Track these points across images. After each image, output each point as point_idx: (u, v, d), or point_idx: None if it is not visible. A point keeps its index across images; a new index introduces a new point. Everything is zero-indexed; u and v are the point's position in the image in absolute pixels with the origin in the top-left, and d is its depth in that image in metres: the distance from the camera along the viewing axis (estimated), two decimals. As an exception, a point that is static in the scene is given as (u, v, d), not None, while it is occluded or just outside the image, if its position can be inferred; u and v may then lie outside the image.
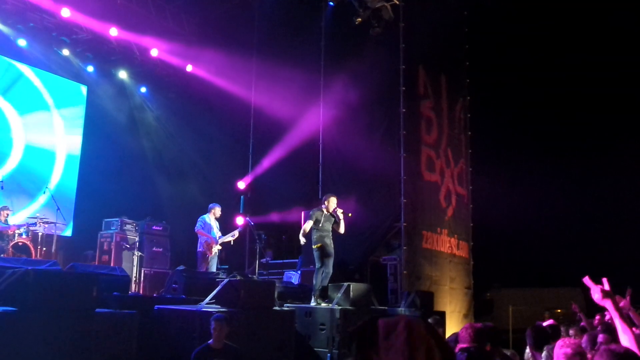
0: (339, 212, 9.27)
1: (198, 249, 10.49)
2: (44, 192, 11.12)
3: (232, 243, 10.75)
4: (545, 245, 12.15)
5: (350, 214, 9.47)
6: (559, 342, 3.53)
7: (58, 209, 10.86)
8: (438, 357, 1.93)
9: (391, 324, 1.98)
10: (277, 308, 8.18)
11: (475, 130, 13.37)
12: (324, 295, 9.11)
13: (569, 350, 3.35)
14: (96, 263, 10.56)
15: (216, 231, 10.70)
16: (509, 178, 12.39)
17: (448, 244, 12.04)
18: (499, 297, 12.40)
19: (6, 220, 10.36)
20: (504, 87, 13.61)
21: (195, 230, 10.53)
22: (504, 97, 13.49)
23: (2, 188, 10.87)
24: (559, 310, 9.91)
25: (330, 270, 9.23)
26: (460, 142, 13.20)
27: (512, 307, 11.23)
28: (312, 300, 8.98)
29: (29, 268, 7.65)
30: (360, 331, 2.21)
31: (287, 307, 8.68)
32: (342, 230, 9.37)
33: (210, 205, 10.81)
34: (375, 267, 10.90)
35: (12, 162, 12.82)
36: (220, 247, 10.67)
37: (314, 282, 9.10)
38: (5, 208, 10.50)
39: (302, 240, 9.31)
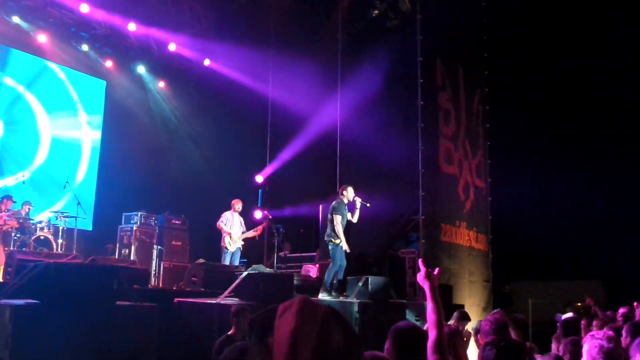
0: (358, 201, 9.30)
1: (221, 244, 10.67)
2: (64, 187, 11.23)
3: (257, 238, 10.85)
4: (565, 237, 12.03)
5: (368, 204, 9.48)
6: (589, 336, 3.55)
7: (78, 203, 10.97)
8: (339, 338, 1.84)
9: (288, 303, 1.90)
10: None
11: (494, 122, 13.27)
12: (341, 288, 9.12)
13: (604, 343, 3.39)
14: (116, 256, 10.65)
15: (238, 226, 10.79)
16: (528, 170, 12.29)
17: (467, 237, 11.98)
18: (518, 290, 12.33)
19: (27, 214, 10.49)
20: (523, 79, 13.48)
21: (217, 225, 10.71)
22: (524, 88, 13.36)
23: (23, 183, 11.01)
24: (579, 304, 9.83)
25: (345, 263, 9.23)
26: (478, 135, 13.11)
27: (532, 300, 11.17)
28: (321, 293, 8.95)
29: (51, 261, 7.77)
30: (260, 318, 2.21)
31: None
32: (355, 219, 9.39)
33: (232, 201, 10.95)
34: (393, 260, 10.86)
35: (40, 157, 13.04)
36: (242, 242, 10.76)
37: (327, 275, 9.09)
38: (27, 203, 10.63)
39: (344, 244, 9.23)
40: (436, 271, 3.21)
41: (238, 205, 10.92)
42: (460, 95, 12.81)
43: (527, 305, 11.14)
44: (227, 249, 10.54)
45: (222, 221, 10.71)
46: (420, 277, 3.18)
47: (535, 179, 12.70)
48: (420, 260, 3.51)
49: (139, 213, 11.40)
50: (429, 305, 3.10)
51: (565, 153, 13.09)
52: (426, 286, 3.13)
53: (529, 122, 13.13)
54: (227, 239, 10.61)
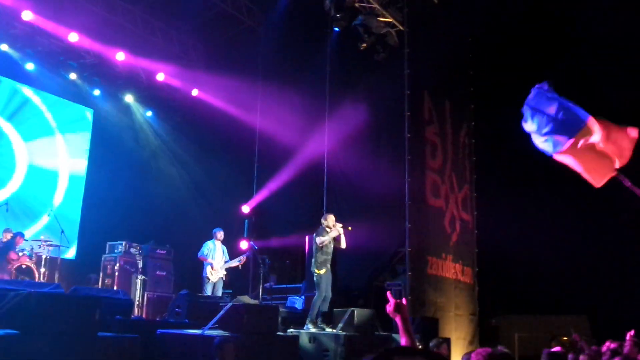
0: (339, 227, 9.27)
1: (202, 274, 10.60)
2: (48, 214, 11.13)
3: (239, 268, 10.79)
4: (551, 271, 12.03)
5: (350, 228, 9.47)
6: None
7: (62, 231, 10.87)
8: None
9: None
10: (280, 333, 8.13)
11: (480, 156, 13.35)
12: (327, 320, 9.06)
13: None
14: (99, 286, 10.52)
15: (220, 256, 10.74)
16: (515, 204, 12.31)
17: (453, 270, 11.97)
18: (505, 323, 12.26)
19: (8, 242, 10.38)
20: (510, 113, 13.59)
21: (198, 256, 10.65)
22: (510, 122, 13.47)
23: (7, 210, 10.92)
24: (565, 338, 9.79)
25: (330, 294, 9.18)
26: (464, 168, 13.19)
27: (518, 334, 11.11)
28: (307, 324, 8.90)
29: (32, 291, 7.64)
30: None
31: (291, 332, 8.62)
32: (343, 245, 9.36)
33: (213, 230, 10.91)
34: (379, 292, 10.81)
35: (15, 183, 12.90)
36: (225, 272, 10.70)
37: (312, 306, 9.04)
38: (7, 230, 10.52)
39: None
40: (404, 301, 3.18)
41: (220, 234, 10.88)
42: (447, 128, 12.91)
43: (514, 339, 11.08)
44: (209, 279, 10.48)
45: (203, 251, 10.67)
46: (390, 309, 3.14)
47: (522, 212, 12.72)
48: (388, 293, 3.45)
49: (124, 242, 11.28)
50: (403, 339, 3.05)
51: (552, 187, 13.16)
52: (397, 318, 3.09)
53: (515, 156, 13.21)
54: (208, 269, 10.56)
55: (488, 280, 12.54)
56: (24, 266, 10.14)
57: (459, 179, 12.87)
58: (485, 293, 12.53)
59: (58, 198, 13.57)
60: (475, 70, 13.70)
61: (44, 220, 12.01)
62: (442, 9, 12.89)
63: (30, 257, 10.35)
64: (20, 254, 10.23)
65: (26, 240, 10.52)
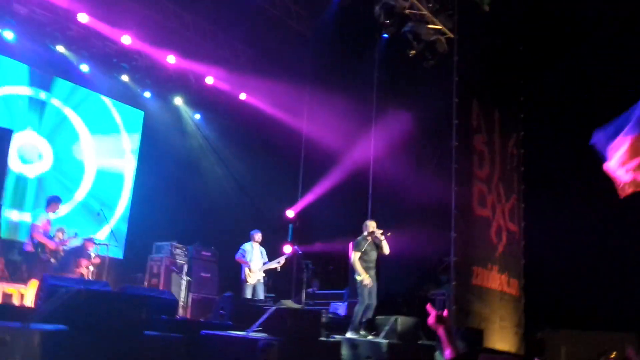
0: (379, 233, 9.23)
1: (241, 277, 10.64)
2: (98, 215, 11.35)
3: (278, 269, 10.79)
4: (601, 286, 11.71)
5: (390, 233, 9.42)
6: None
7: (111, 231, 11.07)
8: None
9: None
10: (323, 338, 8.11)
11: (530, 166, 13.11)
12: (370, 327, 9.01)
13: None
14: (146, 285, 10.67)
15: (258, 258, 10.73)
16: (565, 215, 12.03)
17: (498, 281, 11.75)
18: (551, 337, 11.99)
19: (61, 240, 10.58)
20: (561, 123, 13.33)
21: (235, 258, 10.70)
22: (561, 132, 13.21)
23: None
24: (614, 354, 9.53)
25: (374, 302, 9.13)
26: (512, 178, 12.96)
27: (565, 349, 10.85)
28: (349, 332, 8.86)
29: (81, 288, 7.81)
30: None
31: (333, 338, 8.60)
32: (386, 251, 9.32)
33: (251, 232, 10.94)
34: (423, 301, 10.69)
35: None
36: (264, 275, 10.69)
37: (355, 313, 9.02)
38: (60, 230, 10.71)
39: (366, 279, 9.15)
40: (445, 313, 3.17)
41: (257, 236, 10.89)
42: (495, 137, 12.72)
43: (560, 353, 10.82)
44: (247, 282, 10.50)
45: (240, 253, 10.70)
46: (431, 321, 3.13)
47: (572, 224, 12.41)
48: (428, 305, 3.41)
49: (170, 243, 11.44)
50: (447, 350, 3.02)
51: (604, 199, 12.81)
52: (440, 329, 3.07)
53: (565, 166, 12.95)
54: (246, 271, 10.58)
55: (535, 293, 12.27)
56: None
57: (507, 189, 12.65)
58: (532, 306, 12.27)
59: (108, 197, 13.88)
60: (526, 80, 13.48)
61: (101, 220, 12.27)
62: (493, 16, 12.71)
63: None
64: (92, 258, 10.32)
65: (96, 244, 10.62)
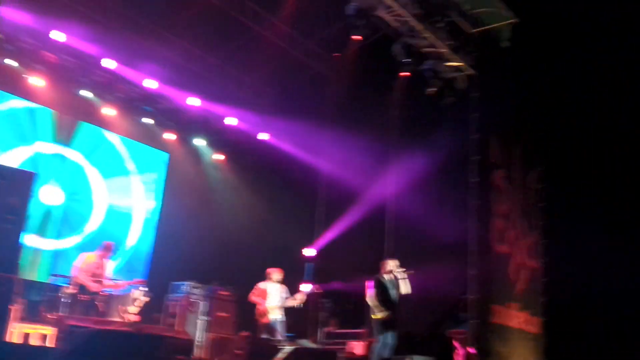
0: (400, 271, 9.22)
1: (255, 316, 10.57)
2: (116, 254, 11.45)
3: (296, 307, 10.64)
4: (626, 326, 11.46)
5: (413, 272, 9.39)
6: None
7: (131, 271, 11.21)
8: None
9: None
10: (338, 379, 8.09)
11: (551, 201, 12.98)
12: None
13: None
14: (162, 325, 10.74)
15: (274, 296, 10.60)
16: (589, 251, 11.85)
17: (518, 319, 11.58)
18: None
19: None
20: (583, 158, 13.22)
21: (249, 297, 10.63)
22: (583, 166, 13.10)
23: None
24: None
25: (393, 341, 9.07)
26: (533, 213, 12.85)
27: (589, 389, 10.61)
28: None
29: (100, 328, 7.96)
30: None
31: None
32: (407, 290, 9.28)
33: (268, 269, 10.88)
34: (441, 340, 10.60)
35: (94, 223, 13.51)
36: (282, 314, 10.53)
37: (373, 352, 8.98)
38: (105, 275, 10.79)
39: (381, 313, 9.14)
40: (473, 350, 3.15)
41: (275, 274, 10.78)
42: (515, 172, 12.68)
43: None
44: (261, 321, 10.39)
45: (253, 293, 10.64)
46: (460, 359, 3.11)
47: (596, 260, 12.23)
48: (456, 343, 3.44)
49: (187, 283, 11.51)
50: None
51: (629, 234, 12.61)
52: None
53: (589, 200, 12.80)
54: (258, 310, 10.47)
55: (557, 331, 12.03)
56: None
57: (527, 224, 12.54)
58: (553, 345, 12.02)
59: (132, 238, 14.14)
60: (546, 114, 13.43)
61: (117, 260, 12.46)
62: (512, 53, 12.78)
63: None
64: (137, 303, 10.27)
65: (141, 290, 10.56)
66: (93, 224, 13.52)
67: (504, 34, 12.66)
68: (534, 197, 12.98)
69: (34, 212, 11.64)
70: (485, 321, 10.68)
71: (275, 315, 10.47)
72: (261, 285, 10.65)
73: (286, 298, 10.62)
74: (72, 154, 13.49)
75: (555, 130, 13.35)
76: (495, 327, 10.88)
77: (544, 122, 13.52)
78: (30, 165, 12.43)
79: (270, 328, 10.36)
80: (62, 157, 13.30)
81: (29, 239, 11.62)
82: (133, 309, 9.82)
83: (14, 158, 12.37)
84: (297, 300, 10.54)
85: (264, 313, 10.39)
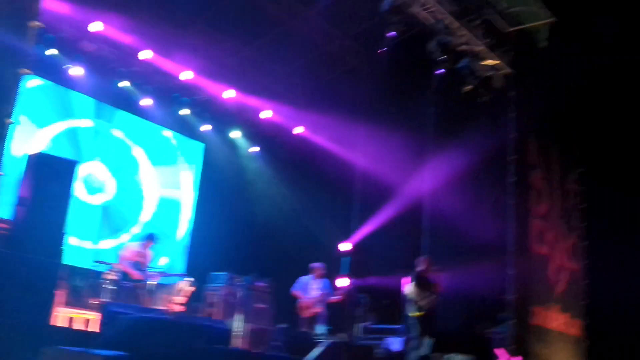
0: (432, 269, 9.18)
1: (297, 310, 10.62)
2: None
3: (335, 303, 10.66)
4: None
5: (444, 271, 9.33)
6: None
7: (170, 261, 11.24)
8: None
9: None
10: (377, 374, 8.04)
11: (592, 202, 12.80)
12: (425, 365, 8.88)
13: None
14: (202, 315, 10.76)
15: (315, 291, 10.67)
16: (630, 252, 11.67)
17: (559, 321, 11.44)
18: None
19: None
20: (623, 157, 13.02)
21: (291, 290, 10.68)
22: (622, 167, 12.90)
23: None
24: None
25: (429, 339, 9.00)
26: (573, 215, 12.70)
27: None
28: None
29: (141, 315, 7.99)
30: None
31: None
32: (439, 292, 9.22)
33: (310, 264, 10.92)
34: (479, 340, 10.49)
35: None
36: (321, 308, 10.60)
37: (410, 350, 8.91)
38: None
39: (417, 311, 9.09)
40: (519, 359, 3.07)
41: (317, 269, 10.83)
42: (553, 173, 12.53)
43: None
44: (302, 315, 10.47)
45: (296, 286, 10.69)
46: None
47: (639, 261, 12.05)
48: (501, 350, 3.35)
49: (226, 273, 11.53)
50: None
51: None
52: None
53: (630, 201, 12.59)
54: (299, 304, 10.55)
55: (599, 334, 11.87)
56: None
57: (567, 226, 12.40)
58: (595, 348, 11.86)
59: (166, 227, 14.21)
60: (585, 114, 13.25)
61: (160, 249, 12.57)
62: (550, 52, 12.62)
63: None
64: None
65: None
66: (142, 220, 13.73)
67: (542, 34, 12.51)
68: (574, 199, 12.83)
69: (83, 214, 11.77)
70: (525, 322, 10.57)
71: (316, 309, 10.48)
72: (303, 279, 10.69)
73: (327, 293, 10.60)
74: (118, 134, 13.72)
75: (595, 131, 13.16)
76: (534, 329, 10.76)
77: (582, 122, 13.35)
78: (71, 139, 12.63)
79: (310, 322, 10.41)
80: (109, 135, 13.55)
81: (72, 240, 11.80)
82: (179, 298, 9.83)
83: (54, 131, 12.60)
84: (336, 297, 10.58)
85: (305, 307, 10.44)
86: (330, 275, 11.55)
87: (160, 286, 9.99)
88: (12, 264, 6.62)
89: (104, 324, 7.78)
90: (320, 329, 10.51)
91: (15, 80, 6.23)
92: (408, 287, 9.33)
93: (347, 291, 10.83)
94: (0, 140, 6.04)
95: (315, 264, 10.93)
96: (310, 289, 10.67)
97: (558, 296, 11.62)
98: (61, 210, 7.47)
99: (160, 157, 14.40)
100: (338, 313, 11.21)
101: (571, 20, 12.24)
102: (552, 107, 12.57)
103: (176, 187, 14.60)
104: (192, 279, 10.25)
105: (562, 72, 13.02)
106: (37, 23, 6.38)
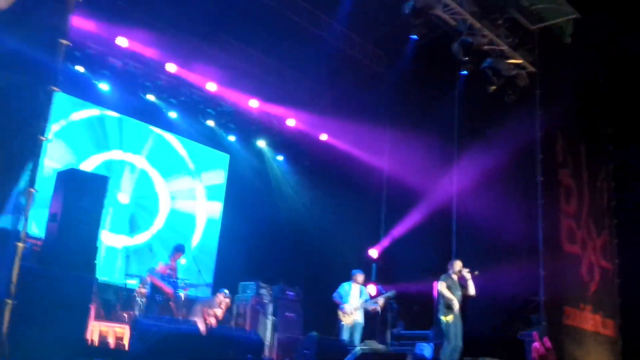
0: (465, 272, 9.11)
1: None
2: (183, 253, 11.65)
3: (378, 310, 10.52)
4: None
5: (477, 272, 9.26)
6: None
7: (199, 270, 11.33)
8: None
9: None
10: (409, 381, 8.00)
11: (622, 200, 12.60)
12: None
13: None
14: (232, 326, 10.84)
15: (356, 298, 10.54)
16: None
17: (592, 322, 11.26)
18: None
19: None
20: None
21: (332, 297, 10.60)
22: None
23: (151, 251, 11.57)
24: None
25: (461, 343, 8.94)
26: (603, 213, 12.50)
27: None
28: None
29: (172, 327, 8.07)
30: None
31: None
32: (472, 292, 9.19)
33: (352, 271, 10.84)
34: (511, 342, 10.36)
35: (158, 225, 13.76)
36: (361, 316, 10.45)
37: (442, 355, 8.86)
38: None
39: (449, 315, 9.05)
40: (548, 343, 3.05)
41: (358, 276, 10.71)
42: (582, 171, 12.36)
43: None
44: (342, 322, 10.37)
45: (336, 293, 10.62)
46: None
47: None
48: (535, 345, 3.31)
49: (255, 283, 11.59)
50: None
51: None
52: None
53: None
54: (339, 312, 10.46)
55: (634, 334, 11.66)
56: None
57: (597, 224, 12.21)
58: (630, 348, 11.65)
59: (196, 239, 14.33)
60: (613, 111, 13.06)
61: (182, 261, 12.67)
62: (574, 48, 12.46)
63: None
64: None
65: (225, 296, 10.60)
66: (157, 225, 13.80)
67: (566, 30, 12.37)
68: (604, 196, 12.63)
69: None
70: (558, 323, 10.43)
71: (356, 317, 10.42)
72: (345, 285, 10.61)
73: (366, 301, 10.57)
74: (139, 160, 13.81)
75: (623, 126, 12.96)
76: (568, 330, 10.62)
77: (610, 118, 13.16)
78: (103, 170, 12.78)
79: (349, 329, 10.30)
80: (129, 164, 13.63)
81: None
82: (219, 311, 9.92)
83: (90, 165, 12.78)
84: (377, 304, 10.46)
85: (345, 314, 10.36)
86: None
87: (194, 299, 10.07)
88: (46, 280, 6.72)
89: (134, 337, 7.87)
90: (358, 337, 10.39)
91: (48, 97, 6.33)
92: (439, 289, 9.26)
93: (387, 298, 10.64)
94: (34, 157, 6.13)
95: (357, 271, 10.83)
96: (351, 296, 10.56)
97: (591, 296, 11.44)
98: (93, 225, 7.59)
99: (176, 171, 14.46)
100: (369, 319, 11.16)
101: (595, 14, 12.10)
102: (579, 104, 12.41)
103: (192, 198, 14.64)
104: (227, 291, 10.30)
105: (587, 67, 12.86)
106: (66, 41, 6.48)
